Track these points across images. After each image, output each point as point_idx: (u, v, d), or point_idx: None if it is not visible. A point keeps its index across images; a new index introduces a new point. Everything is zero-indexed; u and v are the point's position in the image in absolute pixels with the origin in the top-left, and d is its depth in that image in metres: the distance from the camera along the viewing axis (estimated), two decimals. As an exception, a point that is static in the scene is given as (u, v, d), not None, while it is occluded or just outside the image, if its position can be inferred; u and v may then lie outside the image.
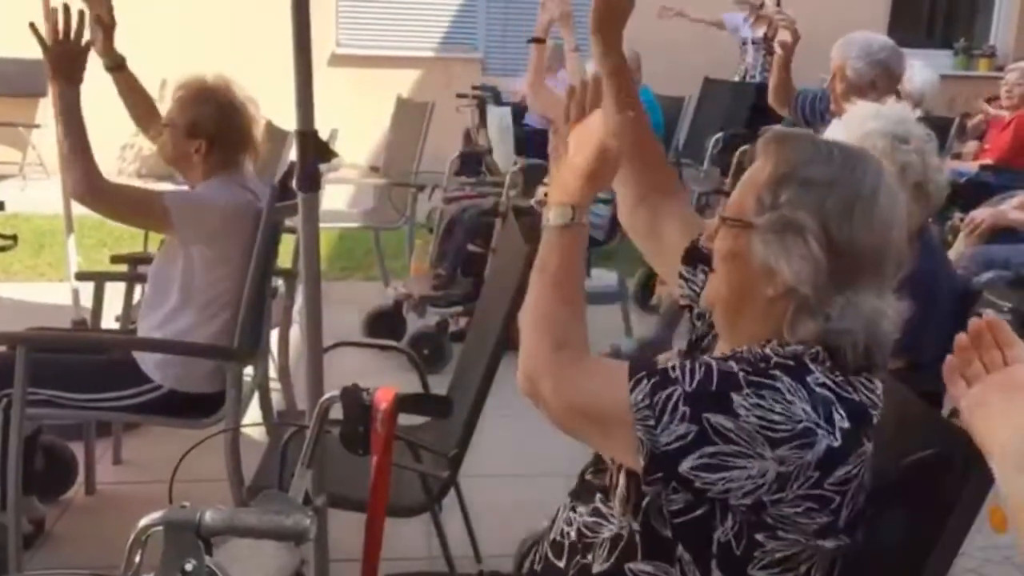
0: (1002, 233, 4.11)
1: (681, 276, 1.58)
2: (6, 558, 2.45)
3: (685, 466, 1.21)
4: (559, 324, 1.32)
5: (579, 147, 1.36)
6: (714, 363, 1.25)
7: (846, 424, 1.23)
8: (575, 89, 1.41)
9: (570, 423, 1.31)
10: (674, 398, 1.21)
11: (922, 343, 2.21)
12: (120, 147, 7.83)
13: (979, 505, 1.36)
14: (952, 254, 3.94)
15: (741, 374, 1.23)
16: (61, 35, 2.48)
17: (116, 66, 2.96)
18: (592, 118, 1.38)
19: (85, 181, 2.48)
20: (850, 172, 1.29)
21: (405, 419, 1.55)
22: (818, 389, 1.24)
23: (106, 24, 2.88)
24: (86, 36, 2.53)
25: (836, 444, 1.22)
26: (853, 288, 1.28)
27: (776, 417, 1.20)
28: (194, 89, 2.70)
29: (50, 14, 2.49)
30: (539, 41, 4.67)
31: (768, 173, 1.31)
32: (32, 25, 2.54)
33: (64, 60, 2.49)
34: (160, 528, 1.11)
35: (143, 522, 1.13)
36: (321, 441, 1.60)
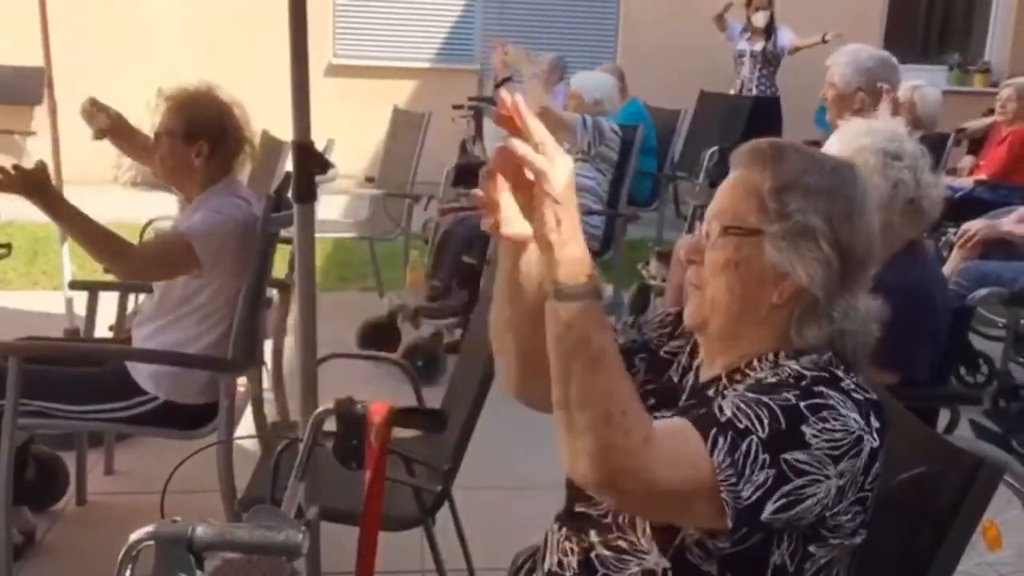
0: (995, 248, 4.12)
1: None
2: (-4, 569, 2.43)
3: (766, 513, 1.19)
4: (635, 415, 1.13)
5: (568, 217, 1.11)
6: (769, 400, 1.23)
7: (878, 423, 1.26)
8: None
9: (650, 508, 1.24)
10: (752, 448, 1.19)
11: (916, 359, 2.22)
12: (116, 155, 7.80)
13: (975, 522, 1.36)
14: (947, 268, 3.94)
15: (800, 404, 1.23)
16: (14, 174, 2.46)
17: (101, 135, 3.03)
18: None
19: (127, 263, 2.59)
20: (843, 181, 1.34)
21: (398, 431, 1.55)
22: (854, 394, 1.27)
23: (116, 128, 3.01)
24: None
25: (876, 444, 1.25)
26: (852, 291, 1.32)
27: (839, 434, 1.21)
28: (184, 95, 2.68)
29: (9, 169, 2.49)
30: (506, 80, 4.87)
31: (771, 182, 1.32)
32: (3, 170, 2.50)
33: (32, 190, 2.48)
34: (151, 543, 1.10)
35: (134, 536, 1.12)
36: (314, 454, 1.60)
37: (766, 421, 1.20)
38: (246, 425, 2.95)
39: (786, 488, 1.19)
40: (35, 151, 7.56)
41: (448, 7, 8.82)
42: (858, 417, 1.23)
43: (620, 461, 1.12)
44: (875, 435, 1.25)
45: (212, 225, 2.59)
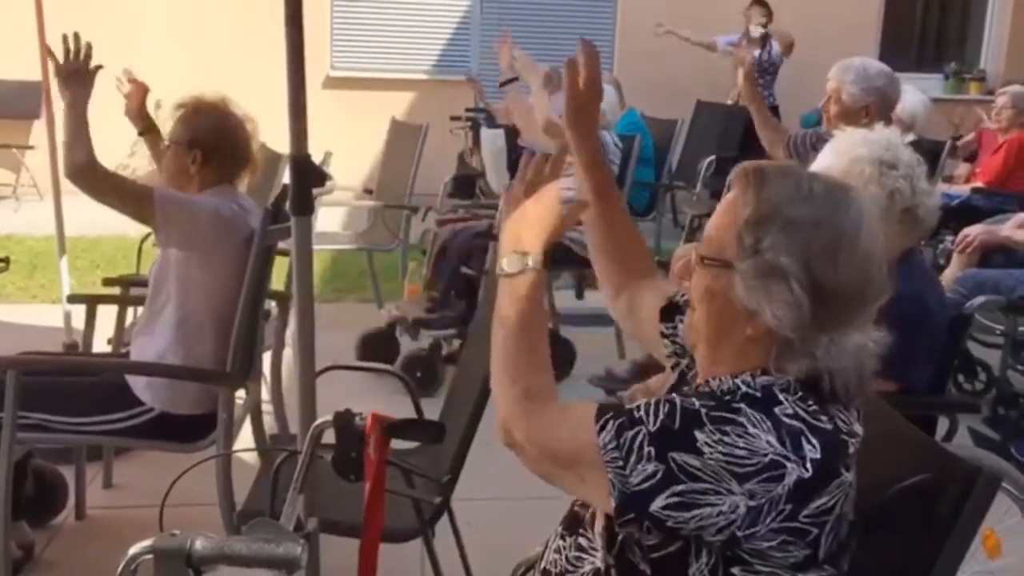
0: (994, 254, 4.12)
1: (662, 335, 1.58)
2: (-5, 584, 2.43)
3: (656, 506, 1.20)
4: (525, 372, 1.34)
5: (534, 201, 1.45)
6: (678, 401, 1.25)
7: (818, 455, 1.21)
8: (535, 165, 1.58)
9: (545, 469, 1.32)
10: (639, 438, 1.22)
11: (913, 368, 2.22)
12: (112, 168, 7.82)
13: (974, 530, 1.36)
14: (946, 276, 3.95)
15: (704, 411, 1.22)
16: (72, 55, 2.61)
17: (146, 129, 3.21)
18: (548, 188, 1.46)
19: (83, 156, 2.56)
20: (832, 211, 1.26)
21: (397, 442, 1.55)
22: (786, 419, 1.23)
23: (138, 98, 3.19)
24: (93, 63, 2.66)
25: (807, 475, 1.20)
26: (836, 328, 1.25)
27: (740, 452, 1.19)
28: (193, 104, 2.75)
29: (62, 39, 2.64)
30: (511, 81, 4.80)
31: (749, 212, 1.27)
32: (49, 50, 2.71)
33: (73, 77, 2.60)
34: (150, 556, 1.10)
35: (132, 550, 1.12)
36: (313, 466, 1.60)
37: (661, 417, 1.23)
38: (245, 438, 2.95)
39: (678, 488, 1.19)
40: (33, 165, 7.57)
41: (445, 19, 8.85)
42: (774, 441, 1.20)
43: (508, 408, 1.32)
44: (807, 466, 1.19)
45: (185, 197, 2.67)
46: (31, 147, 7.73)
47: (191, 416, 2.63)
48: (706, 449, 1.19)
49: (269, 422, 3.27)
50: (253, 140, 2.79)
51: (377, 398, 2.34)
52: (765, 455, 1.19)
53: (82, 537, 2.96)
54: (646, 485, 1.20)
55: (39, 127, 7.51)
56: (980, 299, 3.11)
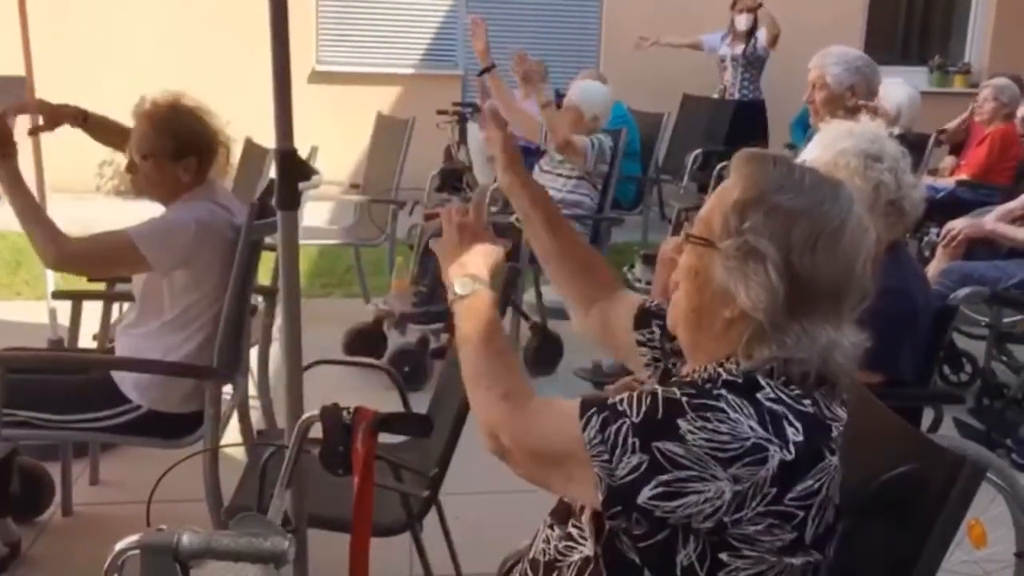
0: (978, 246, 4.14)
1: (639, 343, 1.61)
2: (-19, 582, 2.42)
3: (643, 497, 1.21)
4: (498, 377, 1.38)
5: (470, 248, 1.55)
6: (659, 391, 1.26)
7: (801, 438, 1.22)
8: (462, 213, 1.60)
9: (533, 470, 1.34)
10: (623, 430, 1.23)
11: (899, 359, 2.23)
12: (98, 164, 7.78)
13: (959, 520, 1.37)
14: (931, 269, 3.96)
15: (684, 399, 1.24)
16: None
17: (81, 122, 2.98)
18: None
19: (54, 249, 2.48)
20: (818, 203, 1.28)
21: (385, 437, 1.55)
22: (768, 403, 1.24)
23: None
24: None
25: (790, 458, 1.21)
26: (809, 318, 1.27)
27: (723, 437, 1.20)
28: (163, 112, 2.61)
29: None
30: (489, 69, 4.74)
31: (737, 195, 1.30)
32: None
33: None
34: (137, 552, 1.10)
35: (120, 545, 1.12)
36: (300, 461, 1.59)
37: (644, 408, 1.24)
38: (232, 433, 2.94)
39: (664, 477, 1.20)
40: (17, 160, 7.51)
41: (431, 13, 8.82)
42: (756, 425, 1.21)
43: (489, 413, 1.35)
44: (790, 448, 1.21)
45: (162, 224, 2.57)
46: (14, 143, 7.67)
47: (179, 413, 2.62)
48: (689, 436, 1.20)
49: (256, 417, 3.26)
50: (221, 131, 2.70)
51: (365, 393, 2.33)
52: (747, 439, 1.21)
53: (69, 534, 2.95)
54: (632, 477, 1.21)
55: (23, 122, 7.45)
56: (965, 291, 3.12)
